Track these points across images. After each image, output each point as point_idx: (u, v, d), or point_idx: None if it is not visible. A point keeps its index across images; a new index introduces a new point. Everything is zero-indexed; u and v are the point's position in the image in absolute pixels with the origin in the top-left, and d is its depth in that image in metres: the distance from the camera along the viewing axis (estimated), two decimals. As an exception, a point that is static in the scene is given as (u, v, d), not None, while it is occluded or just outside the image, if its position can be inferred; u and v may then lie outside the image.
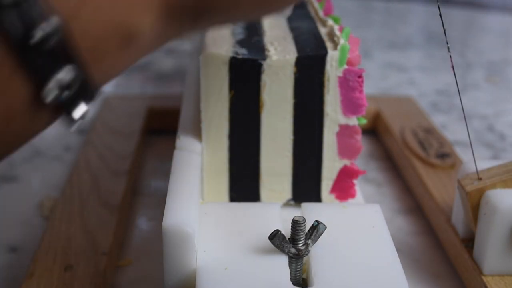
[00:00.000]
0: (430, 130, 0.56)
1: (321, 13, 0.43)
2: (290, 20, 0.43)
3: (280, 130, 0.40)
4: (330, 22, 0.41)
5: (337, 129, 0.39)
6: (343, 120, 0.39)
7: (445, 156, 0.51)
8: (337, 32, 0.39)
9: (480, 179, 0.38)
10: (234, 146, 0.40)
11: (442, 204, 0.44)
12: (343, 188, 0.41)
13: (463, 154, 0.53)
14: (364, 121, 0.40)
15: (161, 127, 0.59)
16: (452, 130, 0.63)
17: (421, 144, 0.53)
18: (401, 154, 0.53)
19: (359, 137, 0.40)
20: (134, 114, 0.59)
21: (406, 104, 0.63)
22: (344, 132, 0.39)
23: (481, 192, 0.38)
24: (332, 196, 0.42)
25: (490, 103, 0.71)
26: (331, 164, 0.41)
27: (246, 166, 0.41)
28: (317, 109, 0.39)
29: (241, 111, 0.39)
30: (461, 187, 0.39)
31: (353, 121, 0.39)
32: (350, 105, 0.39)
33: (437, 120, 0.65)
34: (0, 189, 0.51)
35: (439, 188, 0.46)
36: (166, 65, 0.82)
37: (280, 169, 0.41)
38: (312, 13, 0.44)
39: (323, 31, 0.40)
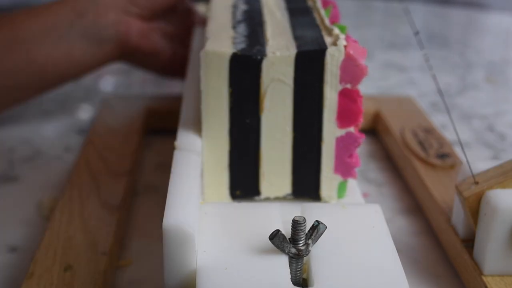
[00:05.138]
0: (430, 130, 0.56)
1: (327, 21, 0.43)
2: (294, 28, 0.42)
3: (281, 124, 0.40)
4: (336, 31, 0.40)
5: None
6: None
7: (445, 156, 0.51)
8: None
9: (477, 183, 0.38)
10: (235, 141, 0.40)
11: (442, 204, 0.44)
12: (345, 163, 0.41)
13: (463, 154, 0.53)
14: None
15: (161, 127, 0.59)
16: (452, 130, 0.63)
17: (421, 144, 0.53)
18: (401, 154, 0.53)
19: (360, 100, 0.39)
20: (133, 114, 0.59)
21: (406, 104, 0.63)
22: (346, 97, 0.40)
23: (478, 197, 0.38)
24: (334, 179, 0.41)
25: (490, 103, 0.71)
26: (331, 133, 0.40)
27: (247, 160, 0.41)
28: (317, 105, 0.39)
29: (241, 107, 0.39)
30: (459, 192, 0.39)
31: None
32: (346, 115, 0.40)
33: (437, 120, 0.65)
34: (0, 189, 0.51)
35: (439, 188, 0.46)
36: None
37: (280, 161, 0.41)
38: (318, 21, 0.43)
39: (328, 40, 0.40)
